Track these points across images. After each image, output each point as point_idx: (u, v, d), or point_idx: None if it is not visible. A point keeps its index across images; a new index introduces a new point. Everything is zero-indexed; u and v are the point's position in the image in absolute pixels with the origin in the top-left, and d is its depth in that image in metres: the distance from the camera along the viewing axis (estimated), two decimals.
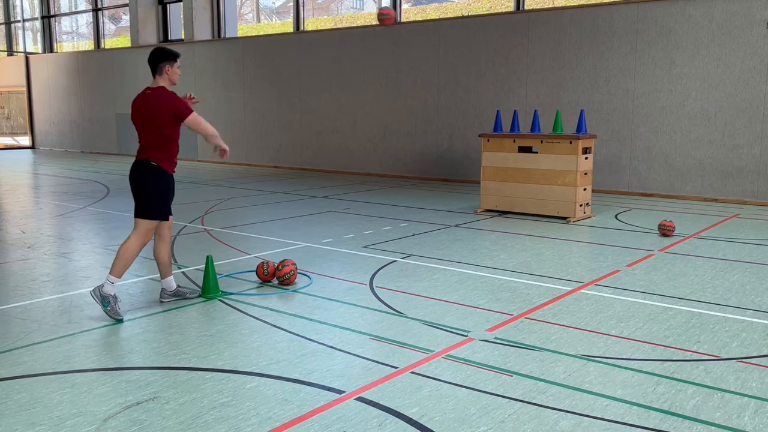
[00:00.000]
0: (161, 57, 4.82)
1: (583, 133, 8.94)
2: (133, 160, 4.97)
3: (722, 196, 10.77)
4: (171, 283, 5.11)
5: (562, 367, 3.83)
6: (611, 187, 11.73)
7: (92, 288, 4.80)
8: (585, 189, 8.94)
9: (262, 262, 5.62)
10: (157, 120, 4.75)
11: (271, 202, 10.67)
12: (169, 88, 4.87)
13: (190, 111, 4.81)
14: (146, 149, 4.83)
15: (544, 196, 9.00)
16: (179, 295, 5.12)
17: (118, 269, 4.72)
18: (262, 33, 18.69)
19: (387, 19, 9.11)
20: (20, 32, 25.83)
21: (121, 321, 4.62)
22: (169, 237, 5.05)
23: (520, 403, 3.37)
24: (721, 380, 3.65)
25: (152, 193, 4.81)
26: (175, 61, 4.87)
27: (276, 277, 5.55)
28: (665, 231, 7.74)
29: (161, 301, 5.06)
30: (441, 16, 14.99)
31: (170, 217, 5.02)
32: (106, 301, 4.62)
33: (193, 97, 5.23)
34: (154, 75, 4.87)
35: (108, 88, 21.02)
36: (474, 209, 9.77)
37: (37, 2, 24.91)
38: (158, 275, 5.28)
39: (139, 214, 4.84)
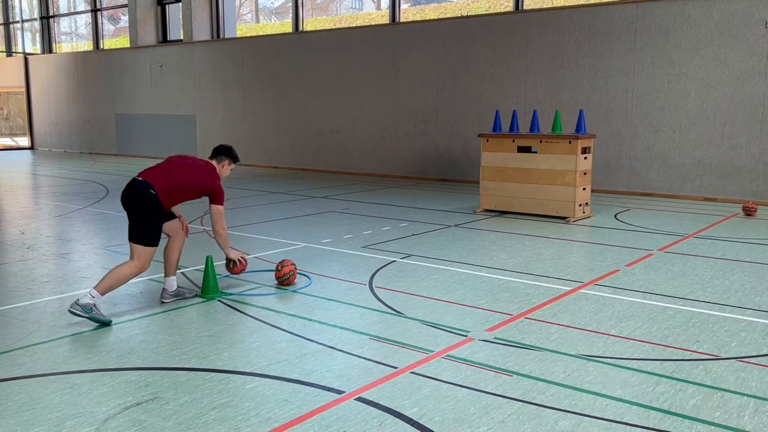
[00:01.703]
0: (228, 154, 5.24)
1: (583, 133, 8.94)
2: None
3: (721, 195, 10.77)
4: (173, 283, 5.12)
5: (561, 366, 3.84)
6: (610, 187, 11.74)
7: (70, 305, 4.57)
8: (584, 189, 8.94)
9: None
10: (200, 180, 4.94)
11: (270, 202, 10.67)
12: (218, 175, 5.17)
13: (223, 202, 5.08)
14: (159, 177, 4.76)
15: (543, 196, 9.00)
16: (179, 296, 5.13)
17: (104, 287, 4.57)
18: (261, 33, 18.69)
19: None
20: (19, 33, 25.82)
21: (108, 323, 4.56)
22: (182, 235, 5.13)
23: (520, 403, 3.37)
24: (721, 380, 3.65)
25: (148, 219, 4.70)
26: (235, 163, 5.31)
27: (275, 277, 5.56)
28: (749, 212, 9.14)
29: (162, 302, 5.06)
30: (440, 16, 14.99)
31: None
32: (87, 308, 4.48)
33: (238, 267, 5.44)
34: (213, 158, 5.21)
35: (107, 88, 21.01)
36: (473, 209, 9.77)
37: (36, 3, 24.90)
38: (158, 276, 5.28)
39: (136, 239, 4.67)
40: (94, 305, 4.53)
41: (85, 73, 21.83)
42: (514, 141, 9.25)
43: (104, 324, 4.54)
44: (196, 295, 5.21)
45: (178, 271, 5.59)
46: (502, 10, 13.89)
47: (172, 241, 5.08)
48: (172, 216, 5.05)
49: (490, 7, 14.57)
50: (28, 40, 26.17)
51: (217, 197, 4.99)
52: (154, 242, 4.73)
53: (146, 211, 4.68)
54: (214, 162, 5.16)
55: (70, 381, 3.64)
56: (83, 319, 4.52)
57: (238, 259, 5.36)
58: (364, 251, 6.91)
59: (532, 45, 12.38)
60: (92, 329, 4.50)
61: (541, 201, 9.04)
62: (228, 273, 5.61)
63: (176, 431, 3.08)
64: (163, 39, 20.49)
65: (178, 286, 5.19)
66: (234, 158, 5.28)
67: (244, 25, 20.79)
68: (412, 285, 5.59)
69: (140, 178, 4.75)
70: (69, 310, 4.51)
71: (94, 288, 4.57)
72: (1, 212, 9.67)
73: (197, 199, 5.05)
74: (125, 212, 4.79)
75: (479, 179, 9.67)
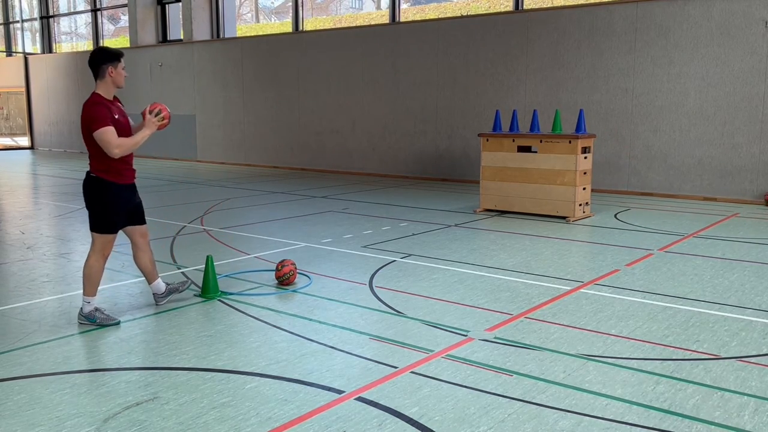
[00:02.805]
0: (102, 58, 4.46)
1: (583, 133, 8.94)
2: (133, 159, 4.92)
3: (721, 195, 10.77)
4: (160, 286, 5.00)
5: (561, 366, 3.83)
6: (610, 187, 11.74)
7: (77, 315, 4.64)
8: (584, 188, 8.94)
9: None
10: (83, 130, 4.47)
11: (270, 202, 10.67)
12: (114, 92, 4.58)
13: (104, 125, 4.35)
14: (89, 159, 4.57)
15: (543, 195, 9.00)
16: (172, 293, 5.06)
17: (88, 289, 4.57)
18: (261, 33, 18.68)
19: None
20: (19, 33, 25.81)
21: (117, 323, 4.60)
22: (144, 245, 4.84)
23: (520, 402, 3.37)
24: (721, 379, 3.65)
25: (93, 206, 4.58)
26: (119, 61, 4.49)
27: (276, 277, 5.56)
28: None
29: (158, 304, 5.04)
30: (440, 16, 14.99)
31: (143, 225, 4.83)
32: (91, 317, 4.54)
33: (154, 111, 4.64)
34: (95, 78, 4.52)
35: None
36: (473, 209, 9.77)
37: (35, 2, 24.89)
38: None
39: (90, 227, 4.61)
40: (96, 310, 4.56)
41: (85, 73, 21.79)
42: (514, 141, 9.25)
43: (113, 325, 4.57)
44: (189, 285, 5.17)
45: (177, 271, 5.59)
46: (502, 10, 13.89)
47: (135, 252, 4.86)
48: (123, 207, 4.66)
49: (490, 7, 14.57)
50: (28, 40, 26.17)
51: (92, 126, 4.36)
52: (102, 228, 4.55)
53: (88, 198, 4.58)
54: (101, 83, 4.49)
55: (70, 381, 3.64)
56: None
57: (157, 110, 4.63)
58: (364, 251, 6.91)
59: (532, 45, 12.38)
60: (92, 329, 4.50)
61: (541, 201, 9.04)
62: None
63: (176, 431, 3.08)
64: (163, 39, 20.49)
65: (167, 284, 5.07)
66: (115, 56, 4.47)
67: (244, 24, 20.80)
68: (412, 285, 5.59)
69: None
70: (78, 321, 4.59)
71: (84, 295, 4.58)
72: (2, 212, 9.67)
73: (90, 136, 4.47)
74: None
75: (479, 179, 9.67)
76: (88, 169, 4.58)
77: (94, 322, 4.54)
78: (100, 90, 4.51)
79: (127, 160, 4.62)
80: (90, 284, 4.57)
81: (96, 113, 4.38)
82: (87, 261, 4.61)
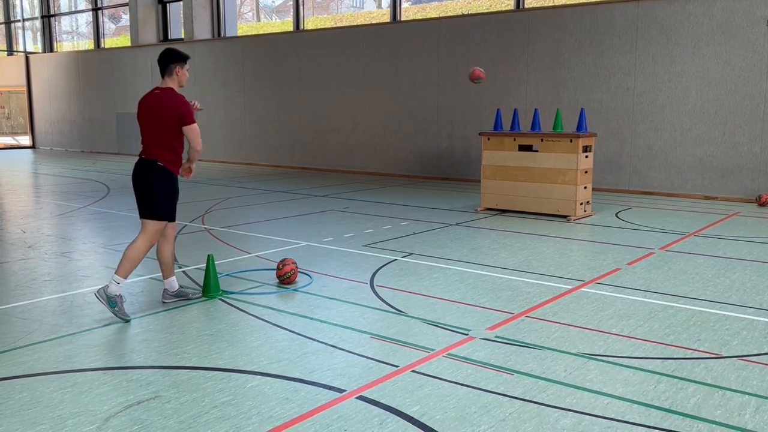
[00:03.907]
0: (172, 58, 4.82)
1: (584, 132, 8.94)
2: (134, 159, 4.96)
3: (722, 194, 10.76)
4: (174, 283, 5.10)
5: (562, 365, 3.84)
6: (611, 186, 11.73)
7: (97, 289, 4.78)
8: (585, 187, 8.93)
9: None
10: (165, 121, 4.73)
11: (271, 201, 10.67)
12: (177, 90, 4.86)
13: (194, 119, 4.83)
14: (152, 149, 4.79)
15: (544, 194, 9.00)
16: (181, 296, 5.11)
17: (124, 269, 4.68)
18: (261, 32, 18.68)
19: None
20: (20, 32, 25.81)
21: (128, 321, 4.61)
22: (172, 237, 5.05)
23: (521, 401, 3.37)
24: (722, 378, 3.65)
25: (160, 194, 4.78)
26: (185, 62, 4.87)
27: (277, 276, 5.56)
28: (762, 202, 9.98)
29: (163, 302, 5.05)
30: (441, 15, 14.98)
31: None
32: (113, 302, 4.58)
33: (197, 105, 5.17)
34: (163, 75, 4.86)
35: (108, 87, 21.02)
36: (474, 208, 9.77)
37: (36, 2, 24.90)
38: (159, 275, 5.28)
39: (146, 215, 4.80)
40: (119, 297, 4.61)
41: (86, 72, 21.83)
42: (515, 140, 9.25)
43: (124, 321, 4.60)
44: (199, 296, 5.20)
45: (179, 270, 5.60)
46: (503, 9, 13.88)
47: (162, 243, 4.99)
48: (177, 196, 4.97)
49: (491, 6, 14.56)
50: (29, 39, 26.17)
51: (186, 119, 4.74)
52: (164, 216, 4.81)
53: (147, 185, 4.76)
54: (169, 80, 4.83)
55: (71, 380, 3.65)
56: (84, 317, 4.53)
57: (190, 167, 5.04)
58: (365, 250, 6.91)
59: (533, 43, 12.37)
60: (93, 327, 4.50)
61: (542, 200, 9.03)
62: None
63: (177, 430, 3.08)
64: (164, 38, 20.49)
65: (181, 286, 5.18)
66: (183, 58, 4.85)
67: (244, 23, 20.79)
68: (413, 284, 5.59)
69: (143, 159, 4.83)
70: (95, 294, 4.67)
71: (116, 274, 4.65)
72: (3, 211, 9.68)
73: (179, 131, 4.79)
74: (135, 196, 4.89)
75: (480, 178, 9.67)
76: (147, 158, 4.75)
77: (113, 307, 4.57)
78: (171, 86, 4.83)
79: (182, 153, 4.91)
80: (130, 266, 4.70)
81: (187, 107, 4.77)
82: (135, 243, 4.74)
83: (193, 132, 4.79)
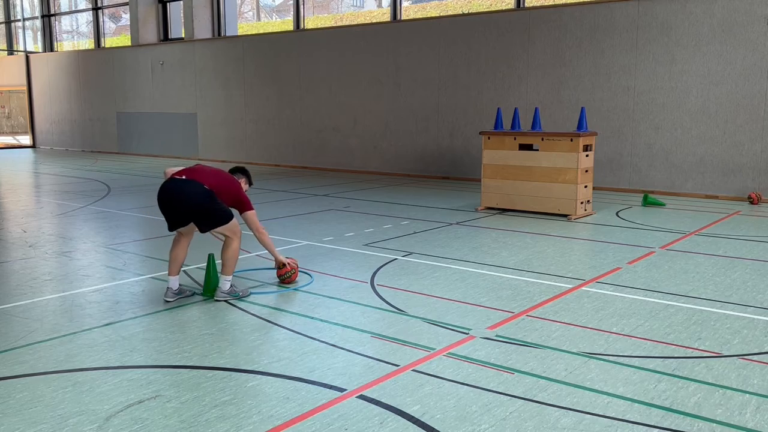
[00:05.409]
0: (245, 173, 5.60)
1: (584, 131, 8.93)
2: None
3: (723, 193, 10.76)
4: (176, 282, 5.14)
5: (563, 364, 3.84)
6: (612, 185, 11.73)
7: (215, 297, 5.09)
8: (586, 186, 8.93)
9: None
10: (231, 189, 5.19)
11: (271, 200, 10.67)
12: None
13: (252, 207, 5.36)
14: (202, 181, 5.00)
15: (545, 193, 9.00)
16: (181, 294, 5.15)
17: (231, 269, 5.09)
18: (262, 31, 18.68)
19: None
20: (20, 31, 25.81)
21: (248, 294, 5.13)
22: (191, 237, 5.25)
23: (522, 400, 3.37)
24: (723, 377, 3.65)
25: (214, 208, 5.02)
26: (250, 185, 5.63)
27: (277, 275, 5.56)
28: (752, 201, 10.09)
29: (166, 301, 5.06)
30: (441, 14, 14.98)
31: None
32: (234, 293, 5.08)
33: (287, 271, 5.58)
34: (234, 174, 5.50)
35: (108, 86, 21.01)
36: (475, 207, 9.77)
37: (37, 1, 24.90)
38: (159, 274, 5.28)
39: (218, 225, 5.02)
40: (233, 286, 5.11)
41: (87, 71, 21.83)
42: (515, 138, 9.24)
43: (249, 294, 5.15)
44: (194, 294, 5.21)
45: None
46: (504, 8, 13.87)
47: (183, 239, 5.19)
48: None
49: (491, 5, 14.55)
50: (30, 39, 26.17)
51: (245, 204, 5.26)
52: (231, 215, 5.12)
53: (208, 203, 4.97)
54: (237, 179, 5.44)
55: (72, 379, 3.65)
56: (84, 316, 4.53)
57: (288, 263, 5.49)
58: (365, 249, 6.91)
59: (534, 42, 12.37)
60: (94, 327, 4.50)
61: (542, 199, 9.03)
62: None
63: (178, 429, 3.08)
64: (164, 37, 20.48)
65: (181, 285, 5.20)
66: (250, 180, 5.60)
67: (245, 23, 20.78)
68: (413, 283, 5.59)
69: (184, 177, 5.00)
70: (216, 300, 5.07)
71: (223, 274, 5.08)
72: (3, 210, 9.68)
73: (241, 212, 5.26)
74: (164, 215, 5.08)
75: (480, 177, 9.67)
76: (193, 180, 4.99)
77: (237, 296, 5.09)
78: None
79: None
80: (233, 263, 5.10)
81: (247, 197, 5.36)
82: (230, 247, 5.09)
83: (252, 222, 5.33)
